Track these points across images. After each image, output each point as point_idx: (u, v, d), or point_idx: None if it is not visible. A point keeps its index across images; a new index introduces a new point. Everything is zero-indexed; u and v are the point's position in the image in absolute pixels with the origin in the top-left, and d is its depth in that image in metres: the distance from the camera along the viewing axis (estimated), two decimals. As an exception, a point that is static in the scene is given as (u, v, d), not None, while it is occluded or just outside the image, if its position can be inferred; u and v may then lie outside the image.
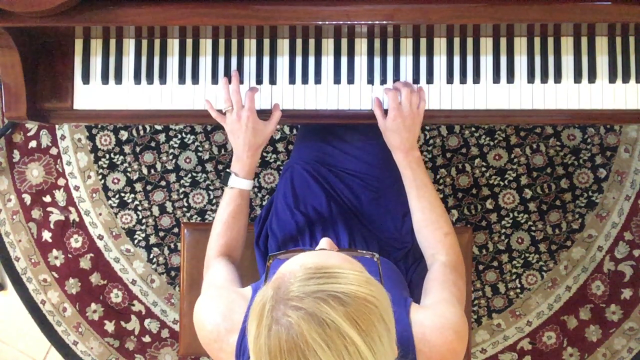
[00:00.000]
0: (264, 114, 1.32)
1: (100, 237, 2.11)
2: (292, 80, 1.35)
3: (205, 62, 1.36)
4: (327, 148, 1.42)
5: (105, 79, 1.37)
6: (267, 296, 0.79)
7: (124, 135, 2.10)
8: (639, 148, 2.03)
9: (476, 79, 1.33)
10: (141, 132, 2.09)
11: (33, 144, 2.12)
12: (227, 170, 1.30)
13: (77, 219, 2.12)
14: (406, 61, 1.34)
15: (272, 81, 1.35)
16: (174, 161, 2.09)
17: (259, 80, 1.35)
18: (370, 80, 1.34)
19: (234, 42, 1.36)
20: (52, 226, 2.12)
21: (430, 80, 1.34)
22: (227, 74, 1.35)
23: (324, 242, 0.97)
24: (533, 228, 2.04)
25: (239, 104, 1.28)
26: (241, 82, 1.35)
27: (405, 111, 1.25)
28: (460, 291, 1.15)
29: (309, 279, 0.78)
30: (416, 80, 1.34)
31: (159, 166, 2.09)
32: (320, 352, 0.74)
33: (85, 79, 1.37)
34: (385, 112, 1.29)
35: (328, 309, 0.75)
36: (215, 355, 1.03)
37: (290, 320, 0.75)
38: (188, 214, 2.09)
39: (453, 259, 1.22)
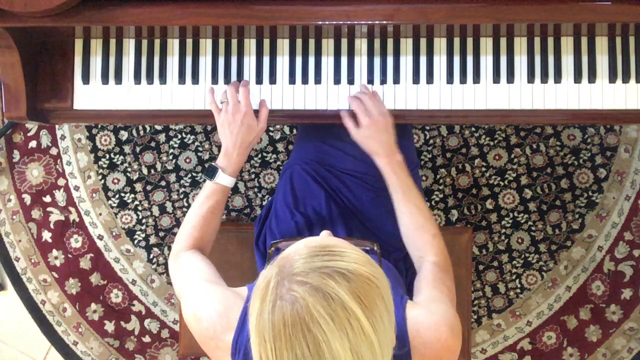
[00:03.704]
0: (256, 113, 1.32)
1: (100, 237, 2.11)
2: (292, 81, 1.35)
3: (205, 62, 1.36)
4: (326, 148, 1.42)
5: (105, 79, 1.37)
6: (272, 274, 0.80)
7: (124, 135, 2.10)
8: (639, 148, 2.03)
9: (476, 79, 1.33)
10: (141, 132, 2.09)
11: (33, 144, 2.12)
12: (213, 164, 1.29)
13: (77, 219, 2.12)
14: (406, 61, 1.35)
15: (272, 81, 1.35)
16: (174, 161, 2.09)
17: (259, 80, 1.35)
18: (371, 80, 1.34)
19: (234, 42, 1.36)
20: (52, 226, 2.12)
21: (430, 80, 1.34)
22: (227, 74, 1.36)
23: (324, 234, 0.98)
24: (533, 228, 2.04)
25: (235, 98, 1.27)
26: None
27: (375, 115, 1.26)
28: (450, 291, 1.16)
29: (314, 256, 0.80)
30: (416, 80, 1.34)
31: (159, 166, 2.09)
32: (324, 325, 0.75)
33: (85, 79, 1.37)
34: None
35: (333, 283, 0.77)
36: (212, 352, 1.04)
37: (295, 294, 0.76)
38: (188, 214, 2.09)
39: (442, 259, 1.23)
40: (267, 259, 0.96)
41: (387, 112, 1.27)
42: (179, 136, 2.08)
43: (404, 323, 0.99)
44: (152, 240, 2.10)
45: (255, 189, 2.08)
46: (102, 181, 2.11)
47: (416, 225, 1.25)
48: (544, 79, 1.33)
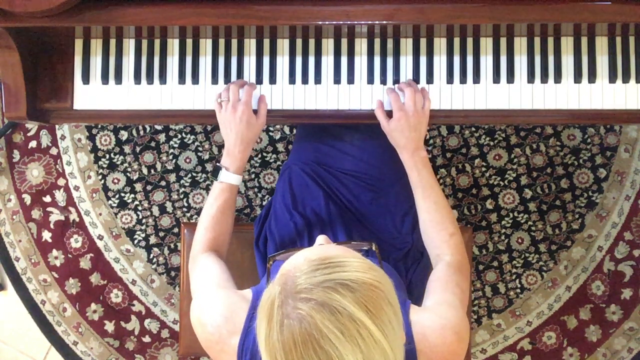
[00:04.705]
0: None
1: (100, 237, 2.11)
2: (292, 80, 1.35)
3: (205, 62, 1.36)
4: (325, 148, 1.42)
5: (105, 79, 1.37)
6: (275, 293, 0.80)
7: (124, 135, 2.10)
8: (639, 148, 2.03)
9: (476, 79, 1.33)
10: (141, 132, 2.09)
11: (33, 144, 2.12)
12: (217, 164, 1.30)
13: (77, 219, 2.12)
14: (406, 61, 1.35)
15: (272, 81, 1.35)
16: (174, 161, 2.09)
17: (259, 80, 1.35)
18: (371, 80, 1.34)
19: (234, 42, 1.36)
20: (52, 226, 2.12)
21: (430, 80, 1.34)
22: (227, 74, 1.36)
23: (321, 238, 0.98)
24: (533, 228, 2.04)
25: (235, 96, 1.27)
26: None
27: (409, 111, 1.25)
28: (463, 292, 1.15)
29: (315, 270, 0.79)
30: (416, 80, 1.34)
31: (159, 166, 2.09)
32: (334, 339, 0.75)
33: (85, 79, 1.37)
34: (388, 113, 1.29)
35: (338, 296, 0.76)
36: (216, 356, 1.03)
37: (302, 312, 0.76)
38: (188, 214, 2.09)
39: (458, 259, 1.22)
40: (266, 273, 0.96)
41: (422, 110, 1.27)
42: (179, 136, 2.08)
43: (408, 328, 0.99)
44: (152, 240, 2.10)
45: (255, 189, 2.08)
46: (102, 181, 2.11)
47: (433, 223, 1.25)
48: (544, 79, 1.33)
